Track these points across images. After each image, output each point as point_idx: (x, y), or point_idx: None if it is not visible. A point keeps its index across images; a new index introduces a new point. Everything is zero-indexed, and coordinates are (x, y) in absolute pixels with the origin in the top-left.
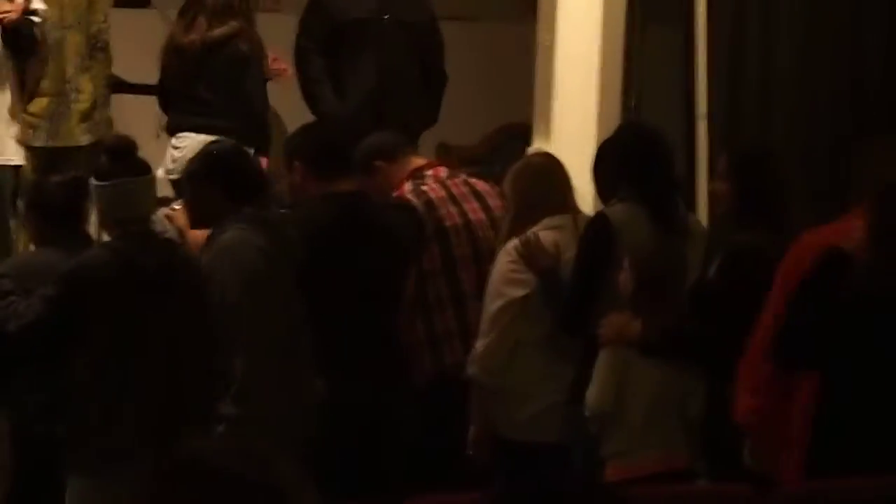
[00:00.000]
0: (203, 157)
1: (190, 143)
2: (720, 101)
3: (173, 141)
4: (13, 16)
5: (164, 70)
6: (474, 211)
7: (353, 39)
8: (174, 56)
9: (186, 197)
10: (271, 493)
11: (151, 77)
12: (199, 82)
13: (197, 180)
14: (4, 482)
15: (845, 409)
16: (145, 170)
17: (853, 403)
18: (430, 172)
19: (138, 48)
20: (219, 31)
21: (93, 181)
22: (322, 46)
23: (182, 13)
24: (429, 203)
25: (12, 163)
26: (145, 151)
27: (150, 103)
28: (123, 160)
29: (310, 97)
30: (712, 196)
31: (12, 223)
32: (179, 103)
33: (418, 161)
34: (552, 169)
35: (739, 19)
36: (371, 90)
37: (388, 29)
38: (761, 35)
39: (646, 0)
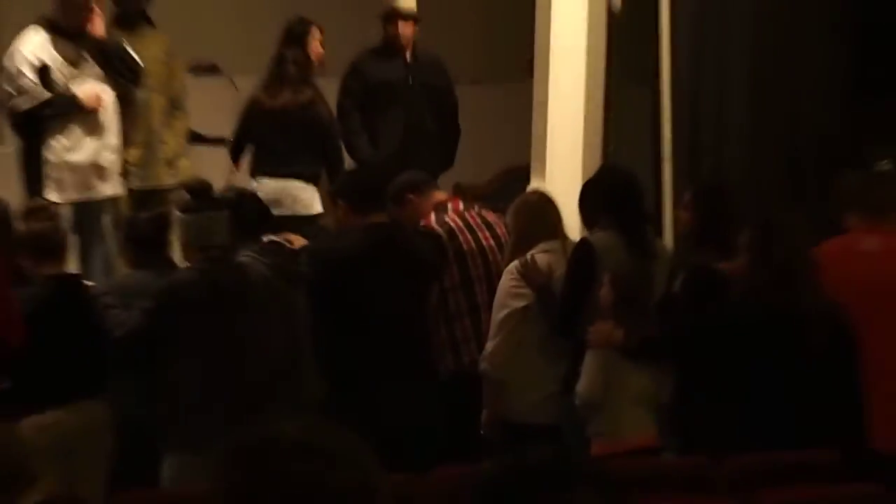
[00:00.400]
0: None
1: (266, 185)
2: (682, 146)
3: (254, 184)
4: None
5: (245, 127)
6: (486, 238)
7: (384, 99)
8: (260, 116)
9: None
10: (355, 465)
11: (223, 131)
12: (283, 137)
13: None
14: (108, 465)
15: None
16: (221, 206)
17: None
18: (450, 206)
19: (211, 107)
20: (304, 98)
21: (178, 214)
22: (359, 104)
23: (268, 83)
24: (450, 232)
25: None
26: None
27: (221, 153)
28: (203, 198)
29: (349, 146)
30: (676, 222)
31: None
32: (262, 155)
33: (441, 196)
34: (545, 204)
35: (698, 80)
36: (399, 141)
37: (413, 91)
38: (716, 92)
39: (621, 64)
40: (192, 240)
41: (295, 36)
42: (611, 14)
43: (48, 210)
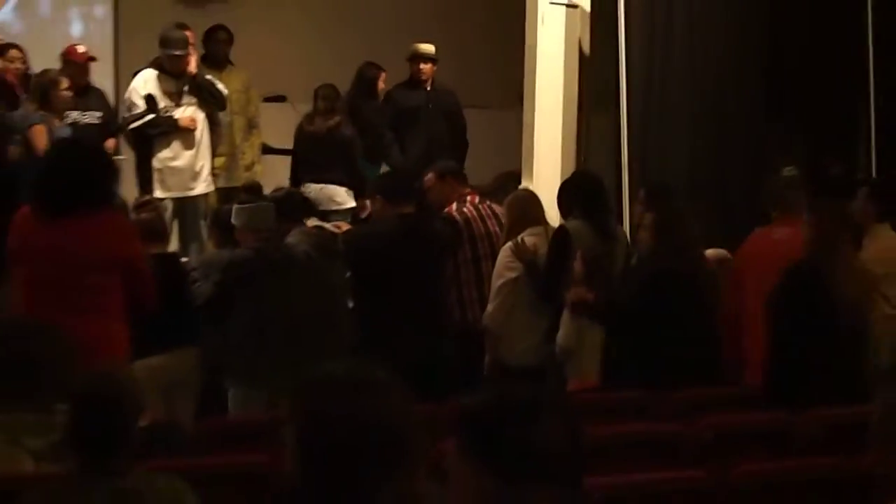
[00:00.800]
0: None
1: (309, 188)
2: (635, 157)
3: (302, 188)
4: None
5: (296, 145)
6: (493, 225)
7: (411, 119)
8: (303, 137)
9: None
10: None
11: (288, 144)
12: (319, 153)
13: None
14: (197, 398)
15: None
16: (268, 200)
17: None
18: (468, 199)
19: (279, 127)
20: (331, 123)
21: (236, 206)
22: (391, 124)
23: (311, 110)
24: (466, 219)
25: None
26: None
27: (287, 160)
28: (254, 194)
29: (385, 156)
30: (632, 213)
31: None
32: (306, 166)
33: (463, 190)
34: (532, 199)
35: (648, 108)
36: (423, 151)
37: (432, 113)
38: (662, 117)
39: (590, 97)
40: (246, 224)
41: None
42: (582, 57)
43: (153, 203)
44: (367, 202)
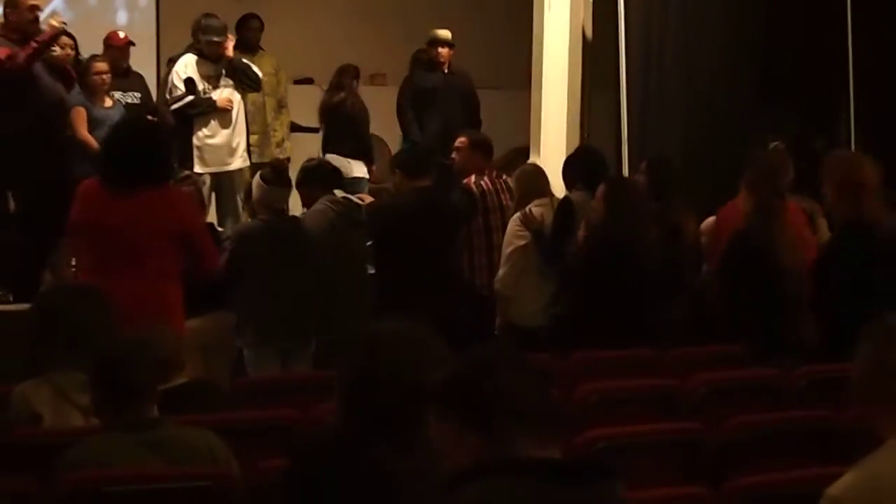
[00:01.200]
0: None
1: (334, 158)
2: (634, 133)
3: (326, 156)
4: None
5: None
6: (506, 199)
7: (429, 99)
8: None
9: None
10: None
11: (315, 123)
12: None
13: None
14: (232, 357)
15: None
16: (288, 185)
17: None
18: (486, 173)
19: (308, 107)
20: (335, 99)
21: (258, 180)
22: (411, 104)
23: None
24: (482, 192)
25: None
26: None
27: (315, 137)
28: (278, 174)
29: (405, 132)
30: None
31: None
32: (329, 138)
33: (486, 164)
34: (539, 172)
35: (646, 88)
36: (440, 128)
37: (448, 94)
38: (659, 96)
39: (593, 78)
40: (261, 201)
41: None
42: (585, 41)
43: (192, 178)
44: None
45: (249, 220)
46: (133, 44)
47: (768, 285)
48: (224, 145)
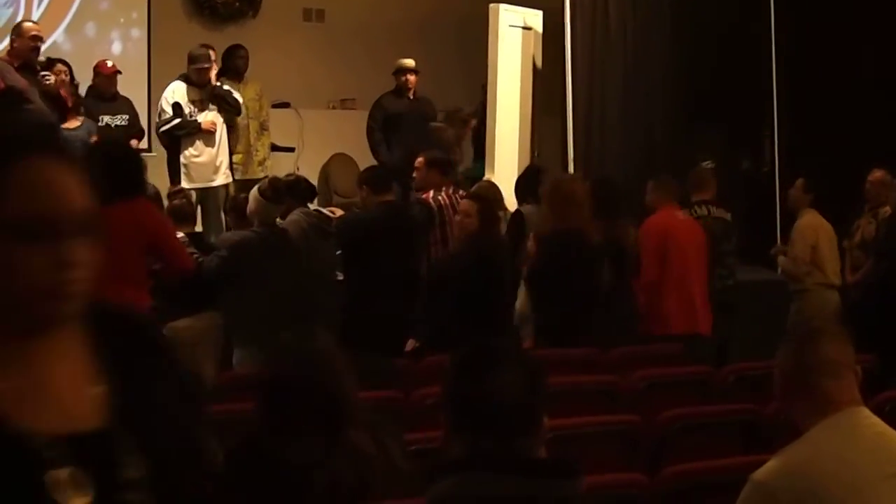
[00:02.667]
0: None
1: None
2: (579, 154)
3: None
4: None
5: None
6: None
7: (396, 122)
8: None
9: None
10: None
11: (292, 143)
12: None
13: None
14: (218, 355)
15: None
16: (282, 202)
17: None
18: (444, 188)
19: (284, 128)
20: None
21: (255, 192)
22: (380, 126)
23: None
24: (439, 206)
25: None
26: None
27: (290, 156)
28: (275, 191)
29: (374, 152)
30: None
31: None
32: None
33: (444, 181)
34: (493, 188)
35: (590, 113)
36: (406, 149)
37: (413, 118)
38: (601, 121)
39: (542, 103)
40: (255, 213)
41: None
42: (535, 71)
43: (183, 192)
44: None
45: (233, 229)
46: (120, 72)
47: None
48: (209, 163)
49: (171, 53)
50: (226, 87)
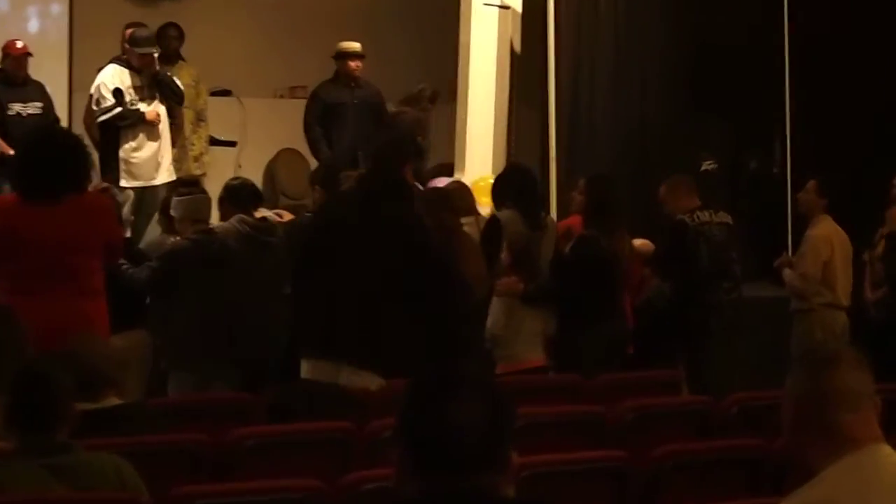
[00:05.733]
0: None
1: None
2: (562, 150)
3: None
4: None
5: None
6: None
7: (337, 115)
8: None
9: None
10: None
11: (234, 136)
12: None
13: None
14: (146, 376)
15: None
16: (204, 192)
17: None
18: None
19: (224, 119)
20: None
21: (175, 198)
22: (319, 120)
23: None
24: None
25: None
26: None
27: (232, 151)
28: (193, 186)
29: (314, 150)
30: (571, 202)
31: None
32: None
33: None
34: (463, 190)
35: (574, 105)
36: (349, 145)
37: (357, 108)
38: (587, 112)
39: (520, 92)
40: (185, 215)
41: None
42: (513, 55)
43: (110, 191)
44: None
45: (164, 234)
46: (30, 54)
47: None
48: (151, 159)
49: (96, 34)
50: (168, 72)
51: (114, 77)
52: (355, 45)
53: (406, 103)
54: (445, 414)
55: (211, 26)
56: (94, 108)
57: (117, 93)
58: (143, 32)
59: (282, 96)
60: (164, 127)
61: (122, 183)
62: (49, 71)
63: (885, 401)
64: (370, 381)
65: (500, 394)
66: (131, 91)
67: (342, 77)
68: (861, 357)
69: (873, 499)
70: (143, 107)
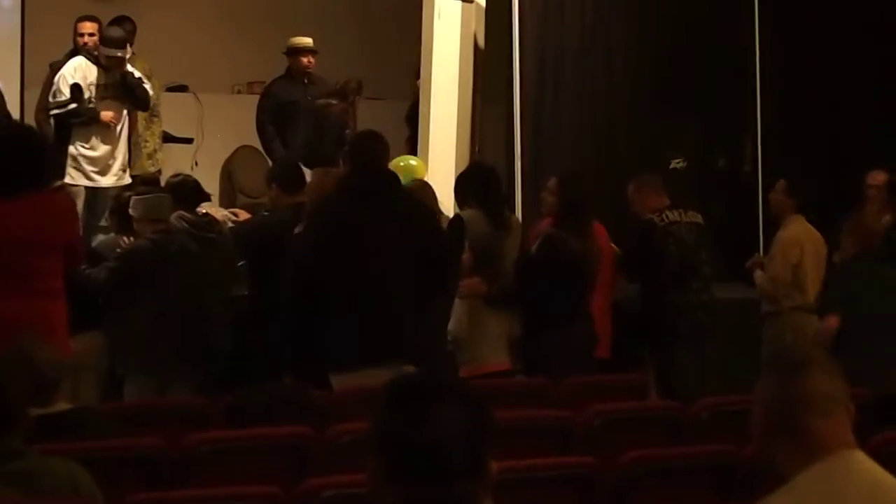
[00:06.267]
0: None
1: None
2: (528, 149)
3: None
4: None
5: None
6: None
7: (290, 113)
8: None
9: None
10: None
11: (190, 133)
12: None
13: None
14: (101, 381)
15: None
16: (164, 191)
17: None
18: None
19: (180, 115)
20: None
21: (134, 197)
22: (272, 118)
23: None
24: None
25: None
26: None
27: (187, 148)
28: (152, 185)
29: (267, 149)
30: (542, 203)
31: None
32: None
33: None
34: (426, 188)
35: (540, 101)
36: (303, 143)
37: (311, 106)
38: (553, 110)
39: (484, 89)
40: (144, 214)
41: None
42: (477, 50)
43: (66, 188)
44: None
45: (117, 234)
46: None
47: None
48: (101, 159)
49: (50, 25)
50: (137, 74)
51: (77, 71)
52: (307, 41)
53: (331, 95)
54: (425, 420)
55: (166, 18)
56: (50, 100)
57: (75, 89)
58: (114, 33)
59: (239, 91)
60: (120, 128)
61: (68, 179)
62: (0, 65)
63: (857, 406)
64: None
65: (479, 400)
66: (92, 87)
67: (295, 73)
68: (831, 360)
69: None
70: (101, 106)
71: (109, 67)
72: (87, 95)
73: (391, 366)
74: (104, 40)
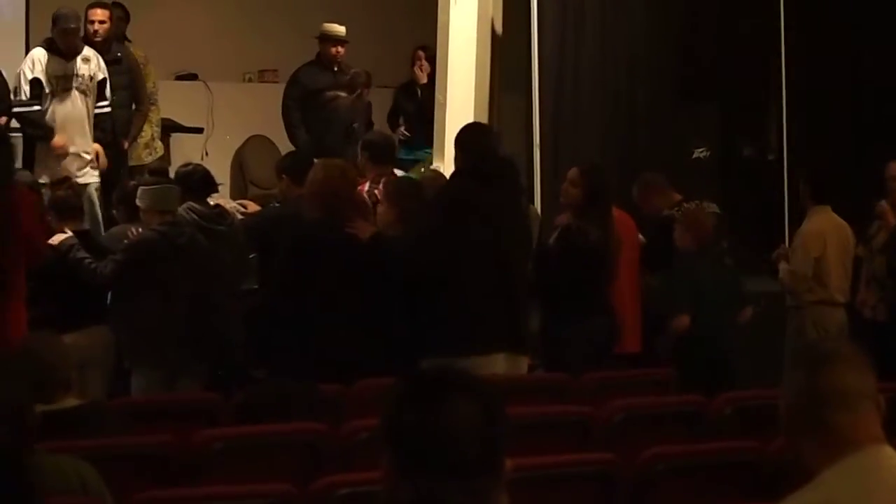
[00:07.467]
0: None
1: None
2: (546, 138)
3: None
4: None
5: None
6: None
7: (316, 101)
8: None
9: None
10: None
11: (199, 122)
12: None
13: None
14: (109, 375)
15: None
16: (173, 182)
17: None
18: (383, 179)
19: (190, 104)
20: None
21: (142, 187)
22: (298, 104)
23: None
24: (375, 200)
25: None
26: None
27: (197, 137)
28: (160, 175)
29: (291, 136)
30: (564, 194)
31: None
32: None
33: (384, 170)
34: (441, 179)
35: (559, 90)
36: (327, 132)
37: (337, 95)
38: (573, 98)
39: (502, 76)
40: (152, 205)
41: None
42: (495, 37)
43: (69, 181)
44: None
45: (125, 225)
46: None
47: None
48: (72, 157)
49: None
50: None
51: (36, 63)
52: (340, 30)
53: (340, 88)
54: (440, 416)
55: (175, 6)
56: (13, 96)
57: (35, 84)
58: (63, 9)
59: (251, 80)
60: (87, 127)
61: (40, 178)
62: (5, 53)
63: (887, 400)
64: (524, 365)
65: (494, 396)
66: (52, 82)
67: (324, 60)
68: (860, 354)
69: (874, 502)
70: (59, 99)
71: (68, 50)
72: (47, 90)
73: (486, 355)
74: (56, 18)
